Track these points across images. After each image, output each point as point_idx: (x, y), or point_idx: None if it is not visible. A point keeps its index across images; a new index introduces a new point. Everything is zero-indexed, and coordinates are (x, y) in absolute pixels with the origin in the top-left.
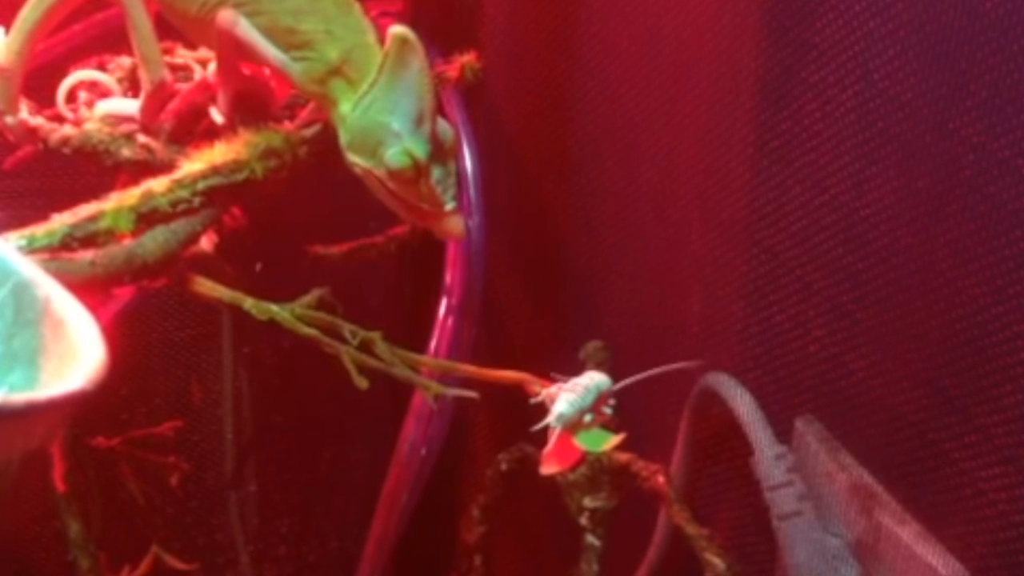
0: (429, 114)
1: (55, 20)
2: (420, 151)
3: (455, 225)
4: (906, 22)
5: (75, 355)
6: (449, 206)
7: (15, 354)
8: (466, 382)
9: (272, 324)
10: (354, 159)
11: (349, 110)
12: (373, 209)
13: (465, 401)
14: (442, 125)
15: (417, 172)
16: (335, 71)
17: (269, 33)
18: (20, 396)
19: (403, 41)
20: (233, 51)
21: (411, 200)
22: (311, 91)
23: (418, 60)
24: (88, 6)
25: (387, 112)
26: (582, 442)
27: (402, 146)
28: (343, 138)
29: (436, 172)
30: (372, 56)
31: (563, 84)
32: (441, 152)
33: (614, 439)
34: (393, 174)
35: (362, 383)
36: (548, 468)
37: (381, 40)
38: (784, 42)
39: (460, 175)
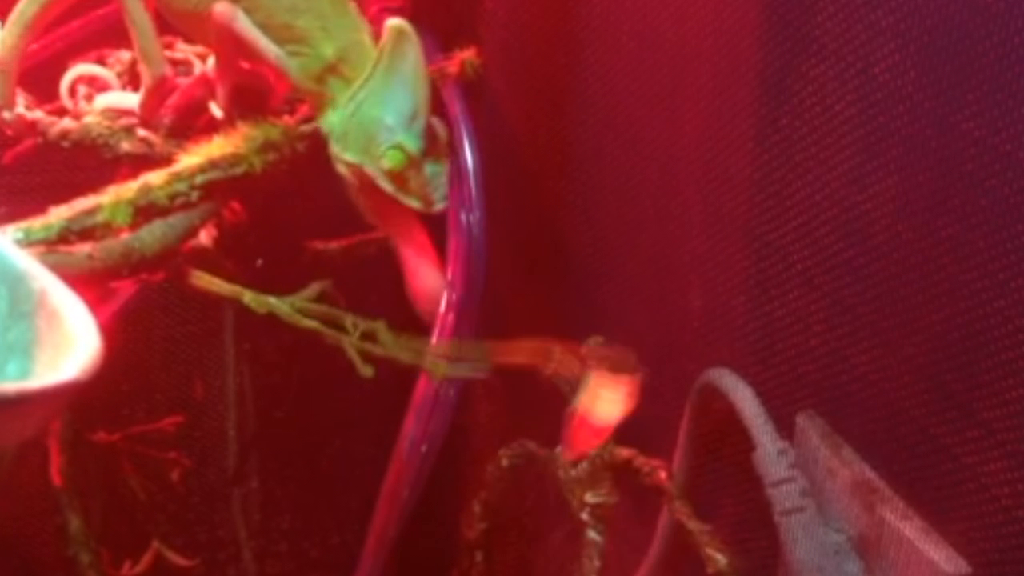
0: (423, 109)
1: (50, 16)
2: (413, 145)
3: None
4: (906, 15)
5: (70, 346)
6: (438, 205)
7: (10, 346)
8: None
9: (274, 320)
10: (344, 155)
11: (342, 105)
12: None
13: (465, 397)
14: (436, 122)
15: (410, 167)
16: (331, 69)
17: (265, 28)
18: (12, 385)
19: (400, 32)
20: (230, 46)
21: (388, 203)
22: (307, 88)
23: (414, 52)
24: (87, 2)
25: (380, 106)
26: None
27: (395, 140)
28: (333, 133)
29: (428, 168)
30: (367, 54)
31: (563, 79)
32: (435, 148)
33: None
34: (385, 169)
35: (367, 371)
36: (569, 452)
37: (377, 39)
38: (784, 36)
39: (461, 170)
